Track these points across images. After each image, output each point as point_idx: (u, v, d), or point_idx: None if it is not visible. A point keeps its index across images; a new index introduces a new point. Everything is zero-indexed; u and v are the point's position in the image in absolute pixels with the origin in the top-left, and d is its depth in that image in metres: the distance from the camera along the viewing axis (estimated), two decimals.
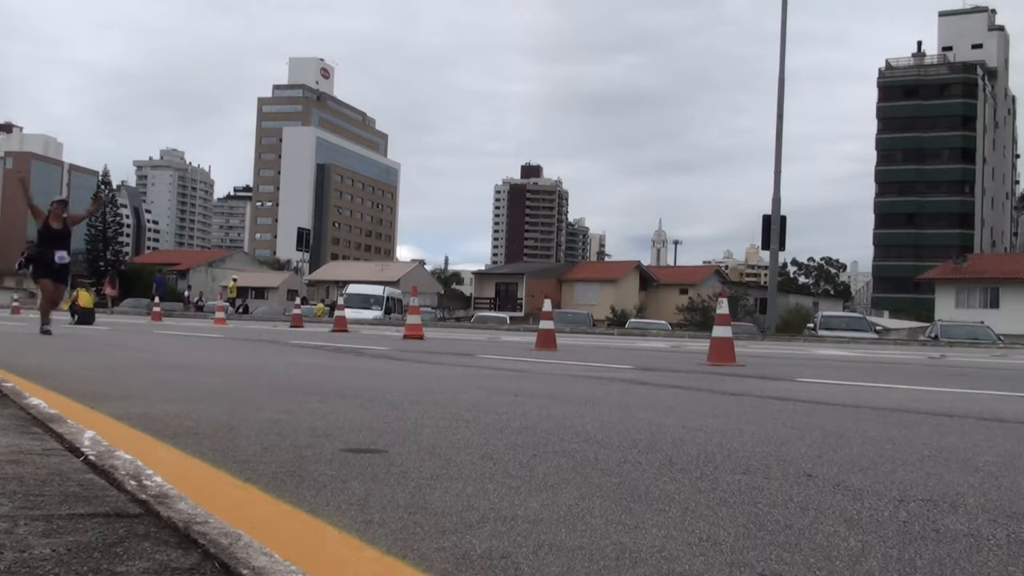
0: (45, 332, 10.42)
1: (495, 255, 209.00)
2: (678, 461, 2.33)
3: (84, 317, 19.76)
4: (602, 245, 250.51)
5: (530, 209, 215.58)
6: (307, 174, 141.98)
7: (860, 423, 3.42)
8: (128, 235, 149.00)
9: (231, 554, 1.27)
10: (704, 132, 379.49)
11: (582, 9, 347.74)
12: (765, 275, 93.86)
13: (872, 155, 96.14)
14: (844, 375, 7.08)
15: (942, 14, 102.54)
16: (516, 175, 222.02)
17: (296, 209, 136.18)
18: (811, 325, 30.34)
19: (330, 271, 76.21)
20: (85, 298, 20.04)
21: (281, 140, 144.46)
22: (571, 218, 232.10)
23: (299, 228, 58.70)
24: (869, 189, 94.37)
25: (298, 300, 32.43)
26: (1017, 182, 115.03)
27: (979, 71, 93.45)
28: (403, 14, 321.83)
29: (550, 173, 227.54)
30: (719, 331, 8.49)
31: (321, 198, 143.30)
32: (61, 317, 22.87)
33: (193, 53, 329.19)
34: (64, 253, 11.13)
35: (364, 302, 40.43)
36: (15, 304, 28.02)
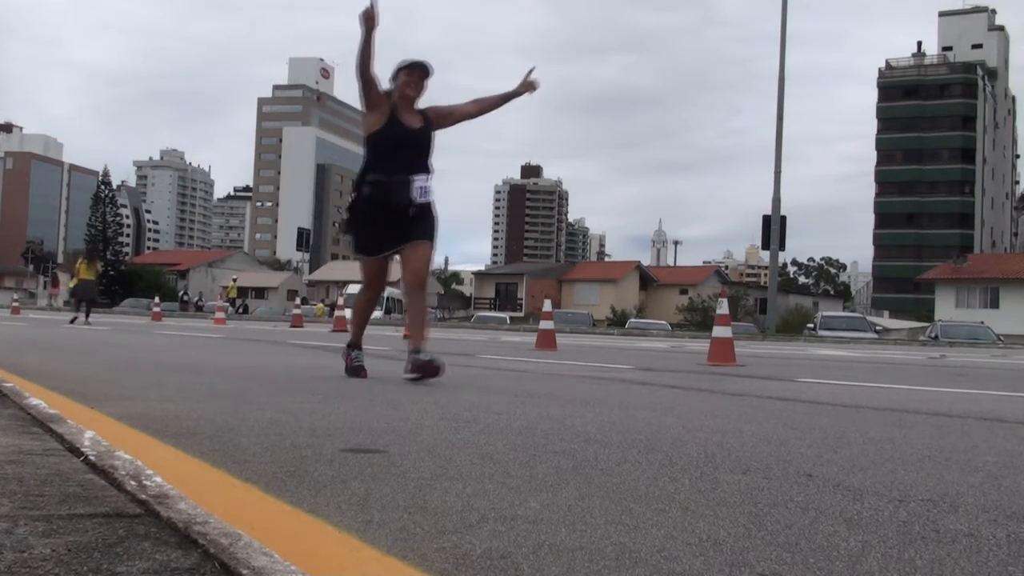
0: (355, 369, 5.02)
1: (495, 255, 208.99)
2: (678, 461, 2.33)
3: (83, 292, 19.11)
4: (602, 245, 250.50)
5: (530, 209, 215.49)
6: (307, 174, 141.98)
7: (860, 423, 3.42)
8: (128, 235, 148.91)
9: (231, 554, 1.27)
10: (702, 132, 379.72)
11: (578, 10, 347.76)
12: (765, 275, 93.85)
13: (872, 155, 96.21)
14: (844, 375, 7.07)
15: (942, 14, 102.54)
16: (516, 175, 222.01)
17: (296, 209, 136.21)
18: (811, 325, 30.37)
19: (330, 271, 76.22)
20: (85, 270, 19.38)
21: (281, 140, 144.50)
22: (571, 218, 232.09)
23: (299, 228, 58.72)
24: (869, 189, 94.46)
25: (298, 300, 32.43)
26: (1017, 182, 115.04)
27: (979, 71, 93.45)
28: (402, 15, 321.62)
29: (550, 173, 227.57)
30: (719, 331, 8.49)
31: (321, 198, 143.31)
32: (57, 318, 22.83)
33: (193, 53, 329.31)
34: (426, 178, 4.87)
35: None
36: (15, 304, 28.01)
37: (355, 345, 5.10)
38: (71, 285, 20.03)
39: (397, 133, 4.80)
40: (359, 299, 5.24)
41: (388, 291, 45.47)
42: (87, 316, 18.96)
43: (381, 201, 4.75)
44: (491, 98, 5.15)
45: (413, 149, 4.83)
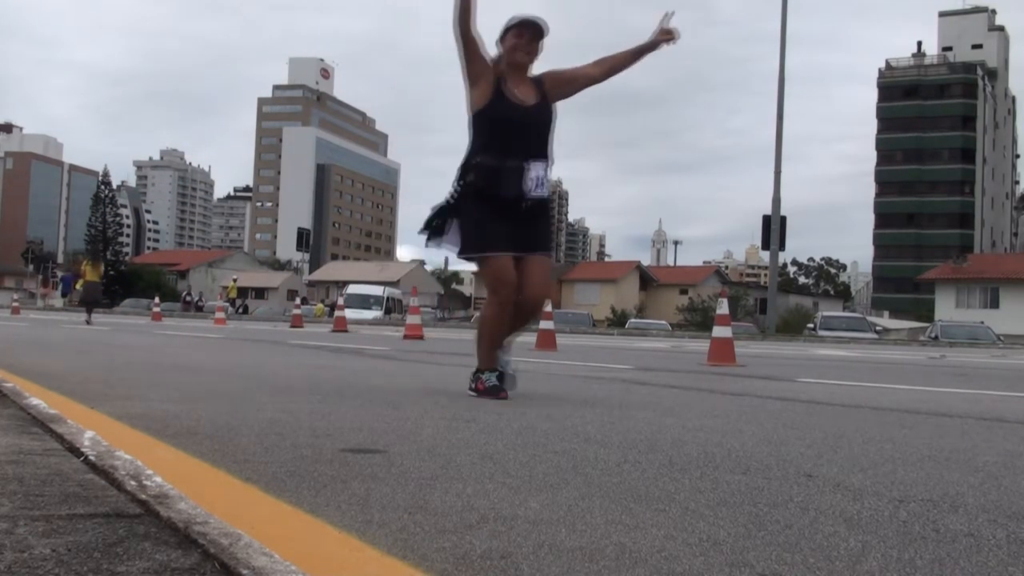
0: (492, 389, 4.01)
1: None
2: (678, 461, 2.33)
3: (89, 295, 19.25)
4: (602, 245, 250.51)
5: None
6: (307, 174, 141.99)
7: (860, 423, 3.42)
8: (128, 235, 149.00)
9: (231, 554, 1.27)
10: (701, 133, 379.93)
11: (578, 10, 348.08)
12: (765, 275, 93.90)
13: (872, 155, 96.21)
14: (844, 375, 7.07)
15: (942, 14, 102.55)
16: None
17: (296, 209, 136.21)
18: (811, 325, 30.37)
19: (330, 271, 76.24)
20: (91, 272, 19.47)
21: (281, 140, 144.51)
22: (571, 218, 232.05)
23: (299, 228, 58.70)
24: (869, 189, 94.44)
25: (298, 300, 32.43)
26: (1017, 182, 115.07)
27: (979, 71, 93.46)
28: (401, 15, 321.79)
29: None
30: (719, 331, 8.50)
31: (321, 198, 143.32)
32: (69, 316, 22.87)
33: (193, 53, 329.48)
34: (543, 167, 4.00)
35: (364, 302, 40.46)
36: (15, 304, 28.01)
37: (484, 368, 4.06)
38: (77, 287, 20.07)
39: (507, 111, 3.93)
40: (486, 312, 4.07)
41: (388, 291, 45.51)
42: (89, 316, 19.09)
43: (489, 190, 3.87)
44: (620, 56, 4.19)
45: (528, 130, 3.97)
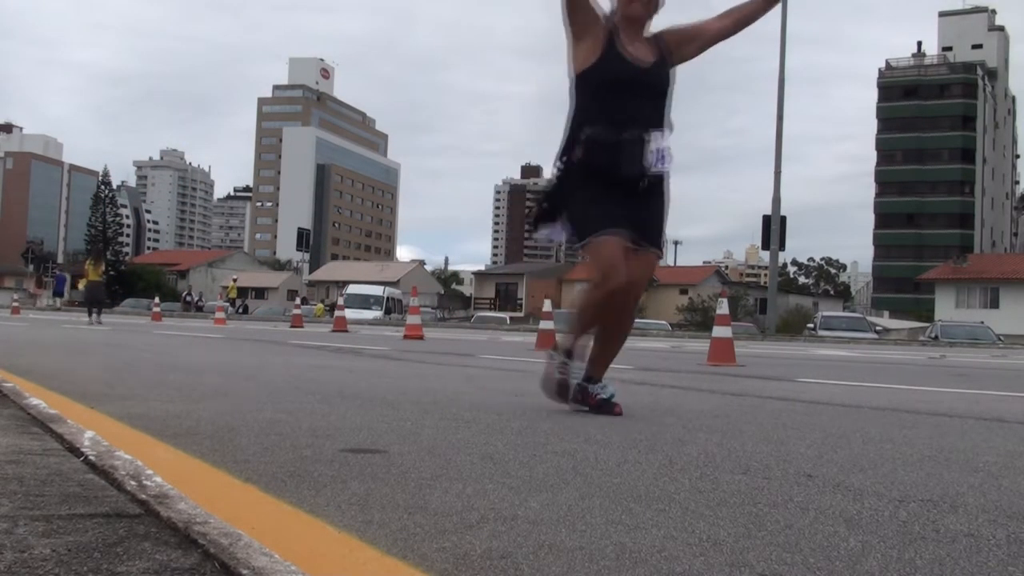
0: (602, 404, 3.47)
1: (495, 255, 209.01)
2: (678, 461, 2.33)
3: (92, 295, 19.26)
4: None
5: (530, 209, 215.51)
6: (307, 174, 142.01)
7: (860, 423, 3.42)
8: (128, 235, 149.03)
9: (231, 554, 1.27)
10: (700, 133, 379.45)
11: None
12: (765, 275, 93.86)
13: (872, 155, 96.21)
14: (844, 375, 7.07)
15: (942, 14, 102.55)
16: (516, 175, 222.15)
17: (296, 209, 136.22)
18: (811, 325, 30.36)
19: (330, 271, 76.25)
20: (93, 271, 19.49)
21: (281, 140, 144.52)
22: None
23: (299, 228, 58.70)
24: (869, 189, 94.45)
25: (298, 300, 32.41)
26: (1017, 182, 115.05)
27: (979, 71, 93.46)
28: (401, 16, 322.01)
29: (550, 173, 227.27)
30: (719, 331, 8.50)
31: (321, 198, 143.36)
32: (69, 317, 22.88)
33: (193, 53, 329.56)
34: (664, 137, 3.37)
35: (364, 302, 40.46)
36: (15, 304, 28.01)
37: (570, 351, 3.48)
38: (80, 287, 20.12)
39: (621, 70, 3.32)
40: (592, 295, 3.35)
41: (388, 291, 45.51)
42: (98, 316, 19.13)
43: (604, 167, 3.28)
44: (749, 5, 3.53)
45: (646, 94, 3.36)
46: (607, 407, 3.41)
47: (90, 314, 19.40)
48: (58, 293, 41.22)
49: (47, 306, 40.32)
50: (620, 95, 3.32)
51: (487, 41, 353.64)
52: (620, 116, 3.29)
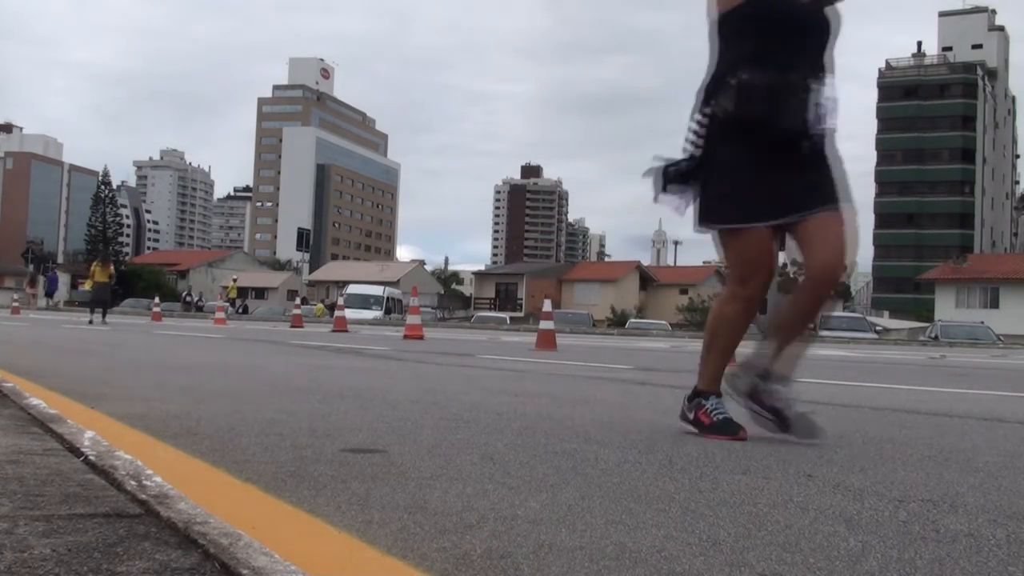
0: (724, 425, 2.84)
1: (495, 255, 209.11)
2: (678, 461, 2.33)
3: (99, 294, 19.31)
4: (602, 245, 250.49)
5: (530, 209, 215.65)
6: (307, 174, 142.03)
7: (860, 423, 3.42)
8: (128, 235, 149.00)
9: (231, 554, 1.27)
10: None
11: (577, 11, 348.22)
12: None
13: (872, 155, 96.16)
14: (844, 375, 7.07)
15: (942, 14, 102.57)
16: (516, 175, 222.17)
17: (296, 209, 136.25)
18: (811, 325, 30.32)
19: (330, 271, 76.22)
20: (100, 273, 19.53)
21: (281, 140, 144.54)
22: (571, 218, 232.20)
23: (299, 228, 58.77)
24: (869, 189, 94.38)
25: (298, 300, 32.42)
26: (1017, 182, 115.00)
27: (979, 71, 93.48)
28: (401, 16, 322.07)
29: (550, 173, 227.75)
30: None
31: (321, 198, 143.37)
32: (75, 317, 22.88)
33: (193, 53, 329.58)
34: (828, 86, 2.78)
35: (364, 302, 40.44)
36: (15, 304, 28.00)
37: (709, 392, 2.93)
38: (86, 287, 20.17)
39: (780, 5, 2.78)
40: (725, 308, 2.88)
41: (388, 291, 45.49)
42: (104, 317, 19.16)
43: (760, 118, 2.67)
44: None
45: (808, 33, 2.80)
46: (728, 429, 2.81)
47: (92, 313, 19.41)
48: (49, 293, 41.14)
49: (45, 306, 40.29)
50: (779, 35, 2.76)
51: (487, 41, 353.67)
52: (780, 59, 2.71)
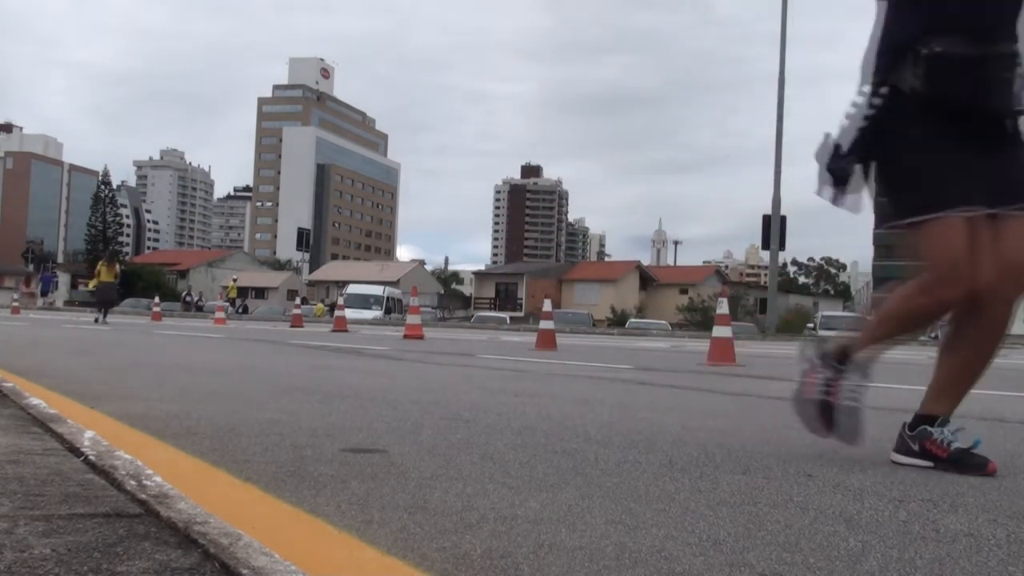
0: (969, 461, 2.28)
1: (495, 255, 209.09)
2: (678, 461, 2.33)
3: (104, 294, 19.44)
4: (602, 245, 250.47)
5: (530, 209, 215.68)
6: (307, 174, 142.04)
7: None
8: (128, 235, 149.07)
9: (231, 554, 1.27)
10: (699, 133, 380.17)
11: (577, 11, 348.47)
12: (765, 275, 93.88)
13: None
14: None
15: None
16: (516, 175, 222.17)
17: (296, 209, 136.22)
18: (811, 325, 30.37)
19: (330, 271, 76.23)
20: (106, 273, 19.64)
21: (281, 140, 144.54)
22: (571, 218, 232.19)
23: (299, 228, 58.71)
24: None
25: (298, 300, 32.41)
26: None
27: None
28: (401, 16, 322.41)
29: (550, 173, 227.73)
30: (719, 331, 8.50)
31: (321, 198, 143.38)
32: (79, 317, 22.92)
33: (193, 53, 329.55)
34: None
35: (364, 302, 40.45)
36: (15, 304, 28.00)
37: (934, 415, 2.39)
38: (91, 287, 20.24)
39: None
40: (916, 300, 2.36)
41: (388, 291, 45.51)
42: (104, 316, 19.24)
43: (960, 97, 2.23)
44: None
45: None
46: (971, 461, 2.30)
47: (99, 312, 19.52)
48: (44, 293, 41.13)
49: (41, 306, 40.28)
50: None
51: (487, 41, 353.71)
52: (978, 24, 2.23)
